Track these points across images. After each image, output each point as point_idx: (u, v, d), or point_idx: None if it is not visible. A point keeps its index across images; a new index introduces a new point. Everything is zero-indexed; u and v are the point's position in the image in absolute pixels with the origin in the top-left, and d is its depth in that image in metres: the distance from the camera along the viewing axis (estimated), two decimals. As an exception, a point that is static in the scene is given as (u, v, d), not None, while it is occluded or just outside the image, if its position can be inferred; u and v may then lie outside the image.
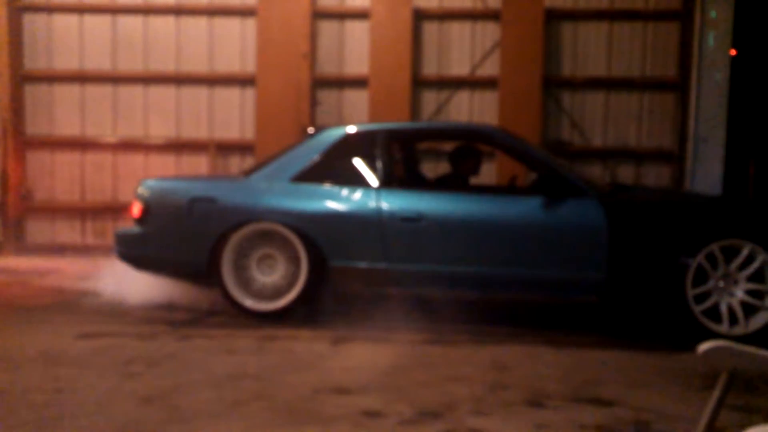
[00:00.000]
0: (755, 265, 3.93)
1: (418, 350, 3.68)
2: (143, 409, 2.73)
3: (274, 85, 6.84)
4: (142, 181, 4.62)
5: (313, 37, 6.96)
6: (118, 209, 7.01)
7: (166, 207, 4.44)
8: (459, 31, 7.03)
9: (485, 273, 4.15)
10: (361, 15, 6.95)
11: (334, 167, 4.39)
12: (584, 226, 4.04)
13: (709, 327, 3.93)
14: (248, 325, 4.13)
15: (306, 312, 4.28)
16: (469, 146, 4.97)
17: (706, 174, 6.68)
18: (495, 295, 4.50)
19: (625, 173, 6.95)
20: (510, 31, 6.75)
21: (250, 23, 7.05)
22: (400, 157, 4.81)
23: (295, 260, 4.25)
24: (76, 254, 6.97)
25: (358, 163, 4.38)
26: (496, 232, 4.12)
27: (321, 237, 4.22)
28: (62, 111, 7.20)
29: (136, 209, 4.48)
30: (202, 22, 7.11)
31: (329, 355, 3.59)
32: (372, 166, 4.35)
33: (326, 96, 7.07)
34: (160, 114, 7.18)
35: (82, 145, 7.19)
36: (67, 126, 7.20)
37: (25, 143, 7.18)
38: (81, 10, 7.14)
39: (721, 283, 3.97)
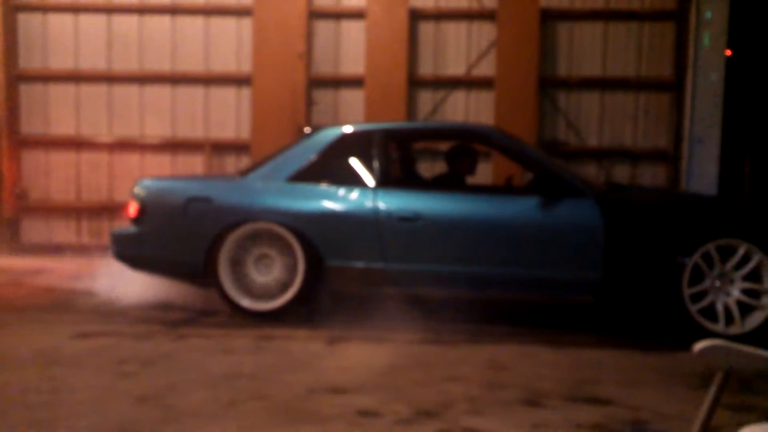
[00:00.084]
0: (751, 264, 3.94)
1: (414, 350, 3.68)
2: (138, 409, 2.72)
3: (270, 85, 6.83)
4: (138, 181, 4.61)
5: (309, 36, 6.96)
6: (113, 209, 7.00)
7: (163, 207, 4.42)
8: (455, 31, 7.03)
9: (482, 273, 4.15)
10: (357, 15, 6.95)
11: (330, 167, 4.39)
12: (581, 225, 4.04)
13: (705, 326, 3.93)
14: (244, 325, 4.12)
15: (303, 312, 4.28)
16: (465, 146, 4.97)
17: (702, 174, 6.70)
18: (492, 294, 4.49)
19: (621, 173, 6.97)
20: (506, 31, 6.76)
21: (246, 23, 7.04)
22: (397, 156, 4.81)
23: (291, 260, 4.25)
24: (72, 254, 6.94)
25: (354, 162, 4.38)
26: (493, 231, 4.12)
27: (318, 237, 4.22)
28: (57, 110, 7.19)
29: (133, 209, 4.46)
30: (197, 21, 7.11)
31: (326, 354, 3.59)
32: (368, 165, 4.34)
33: (322, 96, 7.06)
34: (156, 113, 7.17)
35: (77, 144, 7.17)
36: (63, 125, 7.18)
37: (20, 143, 7.16)
38: (76, 10, 7.12)
39: (717, 283, 3.98)
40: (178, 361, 3.41)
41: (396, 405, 2.81)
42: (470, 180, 5.03)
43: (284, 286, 4.24)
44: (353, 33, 7.02)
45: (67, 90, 7.18)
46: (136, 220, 4.44)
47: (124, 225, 4.75)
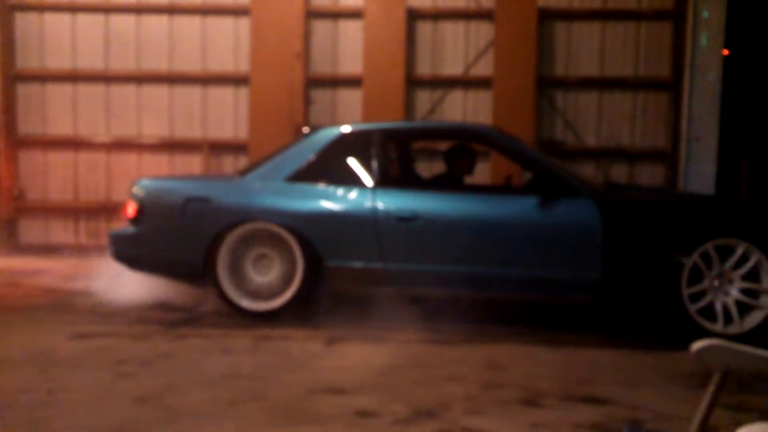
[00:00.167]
0: (750, 264, 3.95)
1: (413, 350, 3.68)
2: (137, 409, 2.71)
3: (268, 85, 6.83)
4: (136, 181, 4.60)
5: (307, 36, 6.96)
6: (111, 209, 6.99)
7: (161, 207, 4.42)
8: (453, 30, 7.03)
9: (480, 272, 4.15)
10: (355, 14, 6.95)
11: (329, 167, 4.39)
12: (579, 225, 4.04)
13: (704, 326, 3.94)
14: (243, 325, 4.12)
15: (301, 312, 4.27)
16: (463, 146, 4.97)
17: (700, 173, 6.71)
18: (490, 294, 4.50)
19: (619, 173, 6.97)
20: (503, 30, 6.76)
21: (244, 22, 7.03)
22: (395, 156, 4.81)
23: (290, 260, 4.24)
24: (70, 254, 6.94)
25: (353, 162, 4.38)
26: (492, 231, 4.12)
27: (316, 237, 4.22)
28: (55, 110, 7.18)
29: (131, 209, 4.46)
30: (195, 21, 7.10)
31: (324, 354, 3.58)
32: (367, 165, 4.34)
33: (320, 95, 7.06)
34: (153, 113, 7.16)
35: (75, 144, 7.16)
36: (60, 125, 7.17)
37: (17, 143, 7.15)
38: (73, 9, 7.11)
39: (716, 282, 3.99)
40: (176, 361, 3.40)
41: (394, 405, 2.81)
42: (469, 180, 5.03)
43: (283, 286, 4.24)
44: (351, 32, 7.02)
45: (65, 90, 7.17)
46: (135, 221, 4.44)
47: (122, 225, 4.74)
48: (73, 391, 2.92)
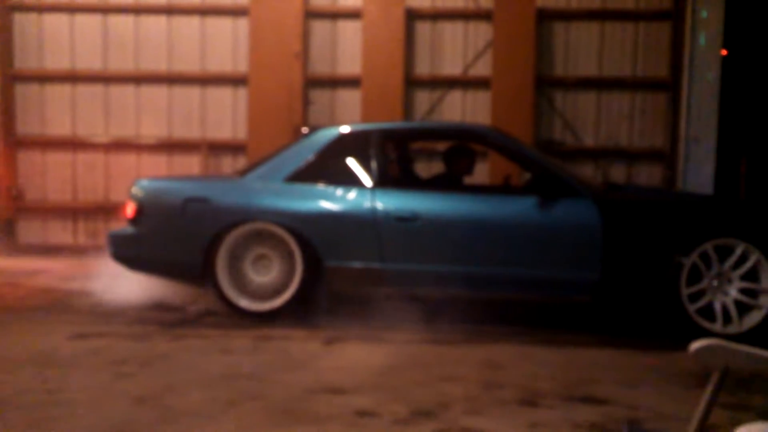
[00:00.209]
0: (749, 264, 3.95)
1: (412, 350, 3.68)
2: (136, 410, 2.71)
3: (267, 85, 6.82)
4: (135, 181, 4.60)
5: (306, 36, 6.96)
6: (110, 209, 6.99)
7: (160, 207, 4.42)
8: (451, 30, 7.04)
9: (479, 273, 4.15)
10: (354, 15, 6.95)
11: (328, 167, 4.39)
12: (578, 225, 4.05)
13: (703, 326, 3.94)
14: (242, 325, 4.12)
15: (301, 312, 4.27)
16: (463, 146, 4.97)
17: (698, 173, 6.71)
18: (489, 294, 4.50)
19: (617, 173, 6.98)
20: (502, 30, 6.76)
21: (242, 23, 7.04)
22: (395, 156, 4.81)
23: (289, 260, 4.24)
24: (68, 254, 6.94)
25: (352, 162, 4.38)
26: (491, 231, 4.12)
27: (316, 237, 4.22)
28: (53, 111, 7.18)
29: (130, 209, 4.45)
30: (193, 21, 7.10)
31: (323, 355, 3.58)
32: (366, 165, 4.34)
33: (319, 96, 7.06)
34: (152, 114, 7.16)
35: (73, 144, 7.16)
36: (59, 126, 7.17)
37: (16, 143, 7.15)
38: (71, 10, 7.11)
39: (715, 282, 3.99)
40: (175, 361, 3.40)
41: (394, 405, 2.81)
42: (468, 180, 5.03)
43: (282, 287, 4.24)
44: (350, 33, 7.02)
45: (63, 90, 7.17)
46: (134, 221, 4.43)
47: (120, 226, 4.74)
48: (72, 391, 2.92)
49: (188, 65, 7.11)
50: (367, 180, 4.30)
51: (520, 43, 6.73)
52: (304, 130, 4.77)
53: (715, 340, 1.64)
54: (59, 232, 7.20)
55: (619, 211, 4.08)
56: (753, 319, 3.96)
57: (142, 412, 2.68)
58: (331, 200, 4.25)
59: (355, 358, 3.54)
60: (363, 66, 6.85)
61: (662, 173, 6.93)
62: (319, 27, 7.04)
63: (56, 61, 7.15)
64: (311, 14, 7.00)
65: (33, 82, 7.17)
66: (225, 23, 7.10)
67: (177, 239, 4.34)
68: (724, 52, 6.79)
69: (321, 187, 4.31)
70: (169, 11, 7.08)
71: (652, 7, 6.90)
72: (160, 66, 7.12)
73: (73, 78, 7.14)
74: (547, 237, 4.08)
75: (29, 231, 7.21)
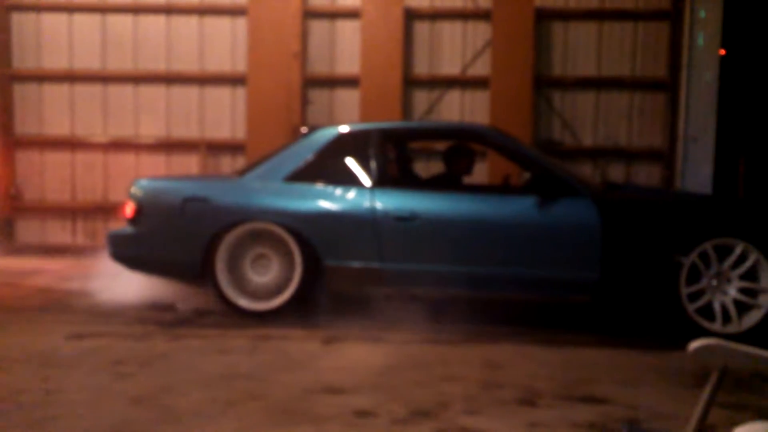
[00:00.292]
0: (748, 263, 3.95)
1: (411, 350, 3.68)
2: (134, 410, 2.71)
3: (265, 85, 6.82)
4: (134, 181, 4.60)
5: (304, 36, 6.96)
6: (108, 209, 6.99)
7: (160, 207, 4.41)
8: (450, 30, 7.04)
9: (479, 272, 4.15)
10: (352, 14, 6.95)
11: (327, 167, 4.39)
12: (578, 225, 4.05)
13: (702, 325, 3.94)
14: (241, 325, 4.12)
15: (300, 311, 4.27)
16: (462, 146, 4.97)
17: (697, 173, 6.72)
18: (489, 294, 4.50)
19: (616, 173, 6.99)
20: (501, 30, 6.76)
21: (241, 22, 7.03)
22: (394, 156, 4.81)
23: (289, 260, 4.24)
24: (67, 254, 6.93)
25: (351, 162, 4.38)
26: (490, 231, 4.12)
27: (315, 236, 4.22)
28: (52, 110, 7.17)
29: (129, 209, 4.45)
30: (192, 21, 7.10)
31: (322, 354, 3.58)
32: (365, 165, 4.34)
33: (317, 95, 7.06)
34: (151, 113, 7.16)
35: (71, 144, 7.16)
36: (57, 125, 7.17)
37: (14, 143, 7.14)
38: (70, 10, 7.11)
39: (714, 282, 3.99)
40: (174, 361, 3.40)
41: (392, 405, 2.81)
42: (467, 179, 5.03)
43: (281, 286, 4.24)
44: (348, 32, 7.02)
45: (62, 90, 7.16)
46: (133, 221, 4.43)
47: (119, 225, 4.73)
48: (70, 391, 2.91)
49: (187, 65, 7.11)
50: (366, 180, 4.30)
51: (518, 43, 6.74)
52: (304, 129, 4.77)
53: (713, 340, 1.65)
54: (58, 232, 7.19)
55: (618, 210, 4.09)
56: (752, 318, 3.96)
57: (141, 412, 2.68)
58: (331, 200, 4.25)
59: (354, 357, 3.54)
60: (362, 66, 6.85)
61: (661, 173, 6.94)
62: (318, 27, 7.04)
63: (55, 60, 7.14)
64: (310, 14, 6.99)
65: (31, 81, 7.16)
66: (223, 23, 7.10)
67: (176, 239, 4.34)
68: (722, 51, 6.79)
69: (320, 186, 4.31)
70: (168, 11, 7.08)
71: (650, 6, 6.90)
72: (159, 66, 7.12)
73: (71, 78, 7.13)
74: (546, 237, 4.08)
75: (28, 231, 7.20)
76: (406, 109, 6.97)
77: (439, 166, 5.26)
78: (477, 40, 7.00)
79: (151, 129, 7.15)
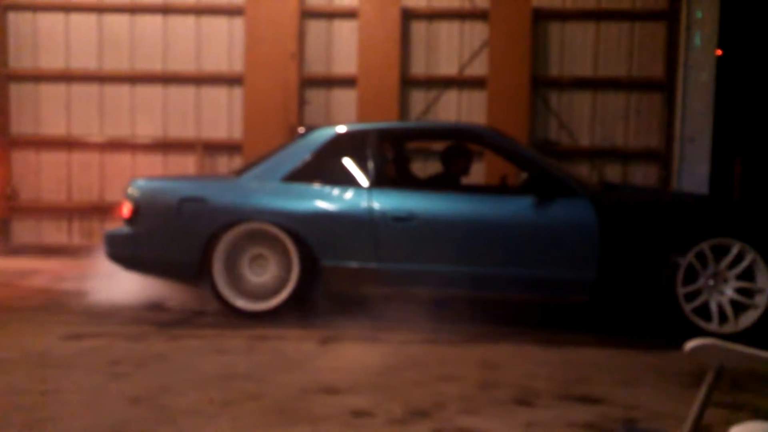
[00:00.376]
0: (744, 263, 3.96)
1: (408, 350, 3.68)
2: (132, 410, 2.71)
3: (262, 85, 6.82)
4: (131, 181, 4.59)
5: (301, 36, 6.95)
6: (105, 209, 6.97)
7: (157, 207, 4.41)
8: (447, 30, 7.04)
9: (476, 272, 4.15)
10: (350, 14, 6.95)
11: (324, 167, 4.39)
12: (575, 225, 4.05)
13: (699, 325, 3.95)
14: (238, 325, 4.11)
15: (297, 311, 4.27)
16: (461, 146, 4.98)
17: (693, 173, 6.73)
18: (486, 294, 4.50)
19: (613, 173, 6.99)
20: (498, 30, 6.77)
21: (238, 22, 7.03)
22: (391, 156, 4.81)
23: (286, 260, 4.24)
24: (63, 254, 6.92)
25: (348, 162, 4.38)
26: (487, 231, 4.13)
27: (312, 237, 4.21)
28: (48, 110, 7.16)
29: (126, 209, 4.44)
30: (189, 21, 7.09)
31: (319, 354, 3.58)
32: (363, 165, 4.34)
33: (314, 95, 7.06)
34: (147, 113, 7.15)
35: (68, 144, 7.14)
36: (53, 125, 7.15)
37: (10, 142, 7.12)
38: (67, 9, 7.09)
39: (711, 282, 4.00)
40: (171, 361, 3.39)
41: (389, 405, 2.81)
42: (464, 180, 5.03)
43: (279, 286, 4.24)
44: (345, 33, 7.01)
45: (58, 90, 7.15)
46: (130, 221, 4.42)
47: (115, 225, 4.73)
48: (67, 392, 2.91)
49: (183, 65, 7.10)
50: (363, 180, 4.30)
51: (515, 43, 6.74)
52: (301, 129, 4.77)
53: (709, 339, 1.65)
54: (54, 232, 7.18)
55: (615, 210, 4.09)
56: (749, 318, 3.97)
57: (138, 413, 2.68)
58: (328, 200, 4.25)
59: (351, 357, 3.54)
60: (359, 66, 6.84)
61: (657, 173, 6.94)
62: (315, 27, 7.04)
63: (51, 60, 7.13)
64: (307, 14, 6.99)
65: (28, 81, 7.15)
66: (220, 23, 7.09)
67: (173, 239, 4.34)
68: (719, 52, 6.80)
69: (317, 186, 4.31)
70: (165, 11, 7.07)
71: (647, 7, 6.91)
72: (156, 66, 7.11)
73: (68, 77, 7.12)
74: (543, 237, 4.09)
75: (24, 231, 7.19)
76: (403, 110, 6.97)
77: (437, 166, 5.26)
78: (474, 40, 7.00)
79: (147, 129, 7.13)
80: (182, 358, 3.45)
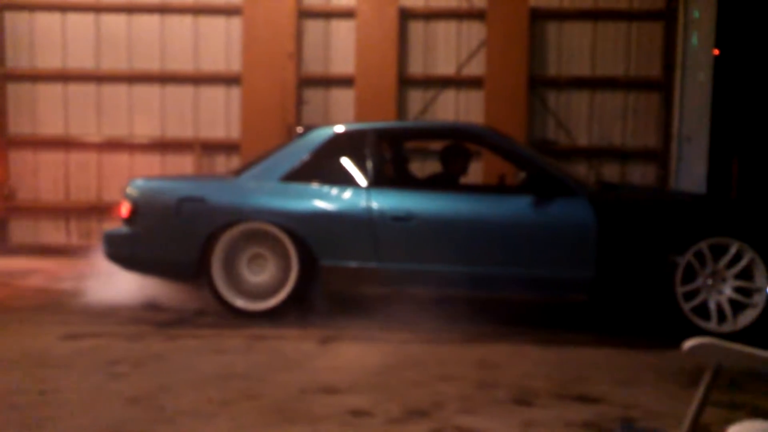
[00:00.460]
0: (743, 262, 3.97)
1: (406, 349, 3.68)
2: (129, 410, 2.70)
3: (260, 84, 6.81)
4: (130, 181, 4.59)
5: (299, 36, 6.95)
6: (102, 209, 6.96)
7: (155, 207, 4.40)
8: (445, 30, 7.04)
9: (475, 272, 4.15)
10: (347, 14, 6.94)
11: (323, 167, 4.38)
12: (573, 224, 4.06)
13: (698, 324, 3.96)
14: (236, 325, 4.11)
15: (296, 311, 4.27)
16: (460, 145, 4.98)
17: (691, 173, 6.74)
18: (485, 294, 4.50)
19: (610, 172, 6.99)
20: (495, 30, 6.77)
21: (236, 22, 7.02)
22: (390, 156, 4.81)
23: (285, 260, 4.24)
24: (61, 254, 6.90)
25: (347, 162, 4.38)
26: (486, 231, 4.13)
27: (311, 236, 4.21)
28: (45, 110, 7.14)
29: (125, 209, 4.44)
30: (186, 20, 7.08)
31: (318, 354, 3.58)
32: (361, 165, 4.34)
33: (312, 95, 7.05)
34: (145, 113, 7.13)
35: (65, 144, 7.13)
36: (51, 125, 7.14)
37: (7, 142, 7.11)
38: (64, 9, 7.08)
39: (710, 281, 4.01)
40: (169, 361, 3.39)
41: (388, 404, 2.81)
42: (463, 179, 5.03)
43: (278, 286, 4.24)
44: (343, 32, 7.01)
45: (55, 89, 7.13)
46: (129, 221, 4.42)
47: (113, 225, 4.72)
48: (65, 392, 2.90)
49: (181, 65, 7.09)
50: (362, 179, 4.30)
51: (513, 43, 6.74)
52: (299, 129, 4.77)
53: (707, 339, 1.65)
54: (52, 232, 7.17)
55: (614, 210, 4.10)
56: (747, 317, 3.98)
57: (136, 413, 2.68)
58: (327, 200, 4.25)
59: (349, 357, 3.54)
60: (356, 65, 6.84)
61: (655, 172, 6.95)
62: (313, 26, 7.03)
63: (48, 60, 7.11)
64: (304, 14, 6.99)
65: (25, 81, 7.13)
66: (218, 22, 7.08)
67: (172, 239, 4.34)
68: (716, 52, 6.81)
69: (316, 186, 4.31)
70: (162, 10, 7.06)
71: (644, 7, 6.92)
72: (153, 65, 7.10)
73: (65, 77, 7.11)
74: (542, 236, 4.09)
75: (21, 231, 7.17)
76: (401, 109, 6.97)
77: (435, 166, 5.26)
78: (472, 39, 7.01)
79: (145, 129, 7.12)
80: (181, 358, 3.45)
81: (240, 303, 4.26)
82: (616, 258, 4.03)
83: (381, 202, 4.19)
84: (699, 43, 6.68)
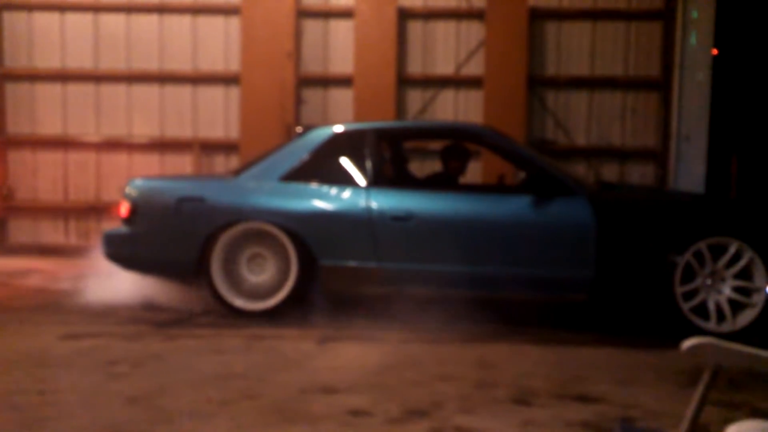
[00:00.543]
0: (742, 262, 3.97)
1: (406, 349, 3.68)
2: (128, 410, 2.70)
3: (259, 84, 6.81)
4: (129, 181, 4.58)
5: (298, 35, 6.95)
6: (101, 209, 6.96)
7: (155, 207, 4.40)
8: (444, 30, 7.04)
9: (474, 272, 4.15)
10: (346, 14, 6.94)
11: (322, 166, 4.38)
12: (573, 224, 4.06)
13: (697, 324, 3.96)
14: (236, 325, 4.11)
15: (295, 311, 4.26)
16: (460, 145, 4.98)
17: (689, 172, 6.75)
18: (484, 293, 4.50)
19: (609, 172, 7.00)
20: (494, 30, 6.77)
21: (234, 22, 7.02)
22: (389, 156, 4.81)
23: (284, 260, 4.24)
24: (60, 254, 6.90)
25: (346, 162, 4.38)
26: (486, 230, 4.13)
27: (310, 236, 4.21)
28: (44, 110, 7.14)
29: (124, 209, 4.44)
30: (185, 20, 7.07)
31: (317, 354, 3.58)
32: (361, 165, 4.34)
33: (311, 95, 7.05)
34: (144, 113, 7.13)
35: (64, 144, 7.12)
36: (49, 125, 7.14)
37: (6, 142, 7.11)
38: (62, 8, 7.08)
39: (709, 281, 4.01)
40: (168, 361, 3.39)
41: (387, 404, 2.81)
42: (462, 179, 5.03)
43: (277, 286, 4.23)
44: (342, 32, 7.01)
45: (54, 89, 7.13)
46: (128, 221, 4.42)
47: (112, 225, 4.72)
48: (64, 392, 2.90)
49: (180, 64, 7.09)
50: (361, 179, 4.30)
51: (512, 43, 6.74)
52: (299, 129, 4.77)
53: (706, 338, 1.65)
54: (50, 232, 7.16)
55: (613, 210, 4.10)
56: (747, 317, 3.98)
57: (135, 413, 2.67)
58: (326, 200, 4.25)
59: (349, 357, 3.54)
60: (355, 65, 6.84)
61: (654, 172, 6.95)
62: (312, 26, 7.03)
63: (47, 60, 7.11)
64: (303, 13, 6.98)
65: (23, 81, 7.13)
66: (217, 22, 7.08)
67: (171, 239, 4.33)
68: (714, 51, 6.82)
69: (315, 186, 4.31)
70: (161, 10, 7.06)
71: (643, 6, 6.92)
72: (152, 65, 7.10)
73: (64, 77, 7.10)
74: (541, 236, 4.09)
75: (20, 231, 7.17)
76: (400, 109, 6.97)
77: (434, 165, 5.26)
78: (471, 39, 7.01)
79: (144, 128, 7.12)
80: (180, 358, 3.44)
81: (239, 303, 4.25)
82: (616, 258, 4.04)
83: (380, 201, 4.19)
84: (698, 43, 6.69)
